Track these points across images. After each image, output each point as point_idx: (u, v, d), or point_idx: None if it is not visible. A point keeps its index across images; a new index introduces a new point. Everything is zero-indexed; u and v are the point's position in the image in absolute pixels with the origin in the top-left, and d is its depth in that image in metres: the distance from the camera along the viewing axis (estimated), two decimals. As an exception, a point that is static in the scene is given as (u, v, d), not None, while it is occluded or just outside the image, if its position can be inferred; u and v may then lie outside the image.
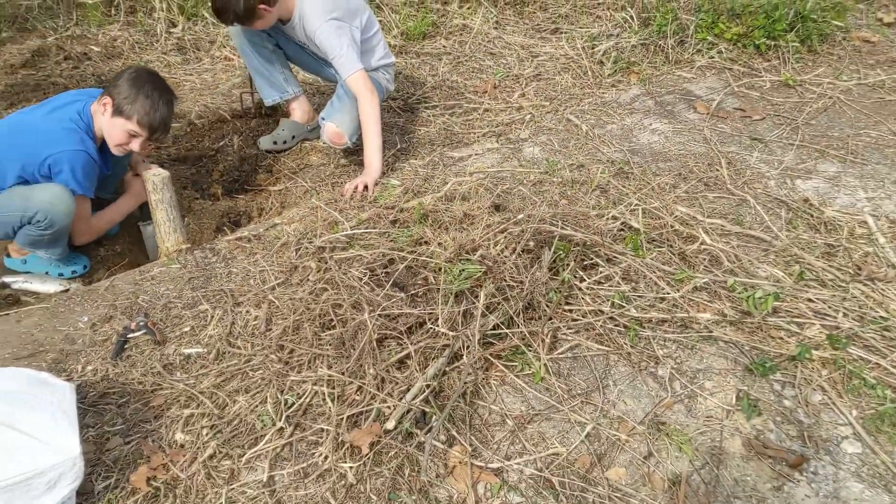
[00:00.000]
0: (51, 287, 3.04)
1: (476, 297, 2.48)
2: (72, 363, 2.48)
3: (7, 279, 3.04)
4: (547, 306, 2.54)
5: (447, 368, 2.37)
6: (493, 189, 3.17)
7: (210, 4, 3.41)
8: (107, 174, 3.22)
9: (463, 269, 2.50)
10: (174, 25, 5.18)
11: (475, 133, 3.98)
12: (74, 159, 2.86)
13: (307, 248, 2.95)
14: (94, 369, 2.46)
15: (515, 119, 4.12)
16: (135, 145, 2.98)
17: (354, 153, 3.80)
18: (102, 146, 3.05)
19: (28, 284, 3.05)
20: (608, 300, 2.64)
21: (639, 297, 2.68)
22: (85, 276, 3.20)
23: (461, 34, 5.24)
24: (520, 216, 2.73)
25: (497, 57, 4.94)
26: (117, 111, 2.90)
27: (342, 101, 3.55)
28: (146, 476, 2.05)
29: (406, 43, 5.11)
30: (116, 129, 2.94)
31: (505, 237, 2.66)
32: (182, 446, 2.16)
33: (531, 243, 2.66)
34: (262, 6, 3.31)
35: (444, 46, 5.10)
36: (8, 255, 3.19)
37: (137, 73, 2.95)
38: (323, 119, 3.59)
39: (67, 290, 3.01)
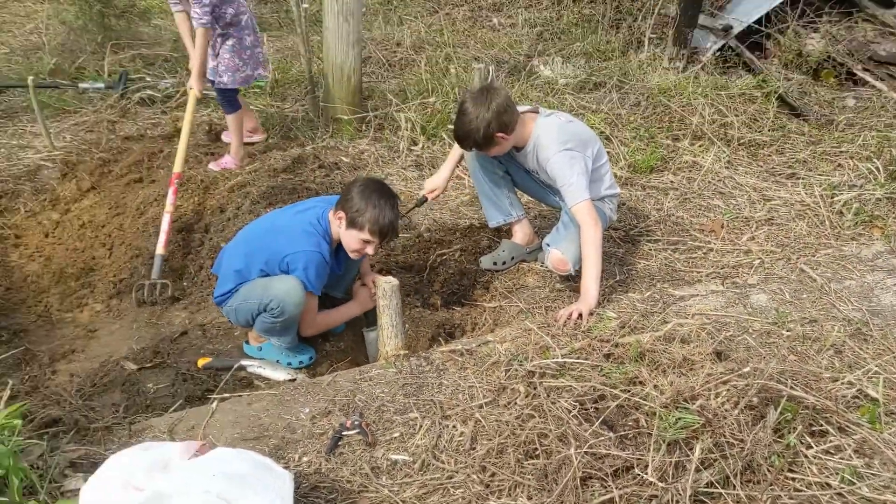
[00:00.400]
0: (280, 375, 3.28)
1: (691, 449, 2.36)
2: (290, 451, 2.63)
3: (244, 363, 3.33)
4: (768, 471, 2.36)
5: (652, 520, 2.26)
6: (716, 335, 3.05)
7: (453, 129, 3.65)
8: (339, 274, 3.53)
9: (679, 418, 2.40)
10: (415, 144, 5.58)
11: (699, 273, 3.88)
12: (309, 259, 3.18)
13: (517, 371, 2.96)
14: (308, 461, 2.59)
15: (743, 263, 3.97)
16: (370, 250, 3.26)
17: (572, 279, 3.83)
18: (337, 249, 3.37)
19: (261, 370, 3.31)
20: (837, 474, 2.41)
21: (873, 475, 2.42)
22: (310, 368, 3.42)
23: (690, 171, 5.20)
24: (745, 369, 2.59)
25: (727, 197, 4.84)
26: (351, 224, 3.18)
27: (567, 228, 3.62)
28: (343, 577, 2.10)
29: (633, 175, 5.15)
30: (352, 239, 3.23)
31: (727, 389, 2.53)
32: (379, 554, 2.20)
33: (755, 399, 2.51)
34: (500, 134, 3.50)
35: (671, 181, 5.08)
36: (247, 342, 3.51)
37: (365, 185, 3.22)
38: (548, 245, 3.67)
39: (294, 380, 3.22)
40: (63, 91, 6.20)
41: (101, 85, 6.18)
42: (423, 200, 4.13)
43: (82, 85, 6.14)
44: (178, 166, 4.39)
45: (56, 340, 3.63)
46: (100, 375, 3.25)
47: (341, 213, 3.21)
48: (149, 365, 3.35)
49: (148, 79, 6.51)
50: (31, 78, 5.41)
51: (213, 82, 4.95)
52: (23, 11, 8.35)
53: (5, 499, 2.16)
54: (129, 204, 4.60)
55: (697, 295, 3.56)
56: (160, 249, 4.05)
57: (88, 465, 2.50)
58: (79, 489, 2.27)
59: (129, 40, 7.09)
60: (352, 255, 3.33)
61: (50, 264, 4.21)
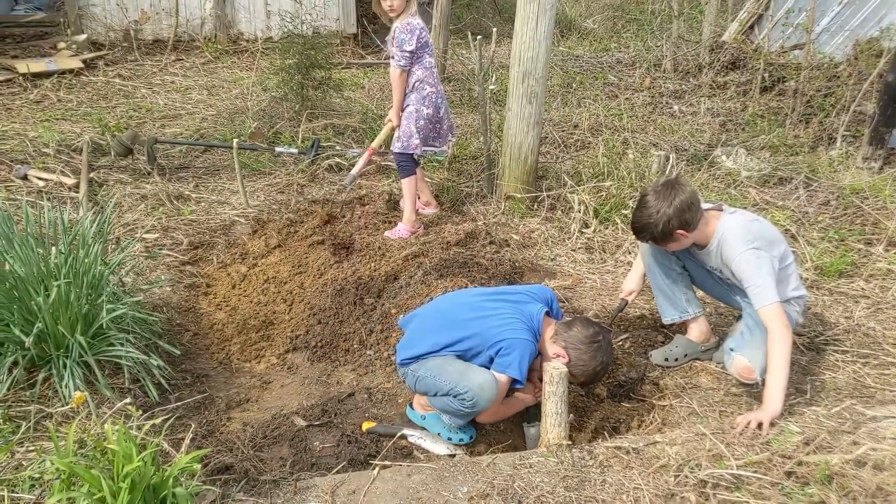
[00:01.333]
0: (441, 449, 3.28)
1: (886, 592, 2.13)
2: (446, 532, 2.61)
3: (407, 432, 3.36)
4: None
5: None
6: (916, 465, 2.77)
7: (631, 220, 3.60)
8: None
9: (874, 556, 2.17)
10: (587, 226, 5.55)
11: (893, 392, 3.56)
12: (525, 349, 3.22)
13: (687, 477, 2.81)
14: (466, 544, 2.55)
15: (944, 385, 3.61)
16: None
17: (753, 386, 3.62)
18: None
19: (422, 441, 3.32)
20: None
21: None
22: (469, 447, 3.40)
23: (885, 279, 4.83)
24: (954, 510, 2.33)
25: (926, 310, 4.45)
26: (569, 366, 3.22)
27: (753, 334, 3.44)
28: None
29: (819, 278, 4.85)
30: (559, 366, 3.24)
31: (931, 530, 2.28)
32: None
33: (964, 546, 2.24)
34: (679, 231, 3.41)
35: (862, 289, 4.74)
36: (411, 406, 3.54)
37: (599, 346, 3.30)
38: (731, 350, 3.50)
39: (454, 456, 3.21)
40: (260, 153, 6.70)
41: (295, 150, 6.62)
42: (624, 305, 4.14)
43: (278, 149, 6.61)
44: (375, 144, 5.45)
45: (233, 388, 3.82)
46: (271, 428, 3.37)
47: (565, 354, 3.30)
48: (317, 423, 3.44)
49: (337, 147, 6.92)
50: (235, 140, 5.89)
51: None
52: (230, 78, 9.16)
53: (180, 540, 2.26)
54: (310, 264, 4.84)
55: (892, 417, 3.25)
56: (354, 171, 5.31)
57: (255, 517, 2.59)
58: (245, 539, 2.36)
59: (322, 110, 7.58)
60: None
61: (235, 314, 4.47)
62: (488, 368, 3.24)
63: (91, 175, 5.85)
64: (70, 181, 5.68)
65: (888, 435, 3.04)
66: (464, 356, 3.28)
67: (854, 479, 2.62)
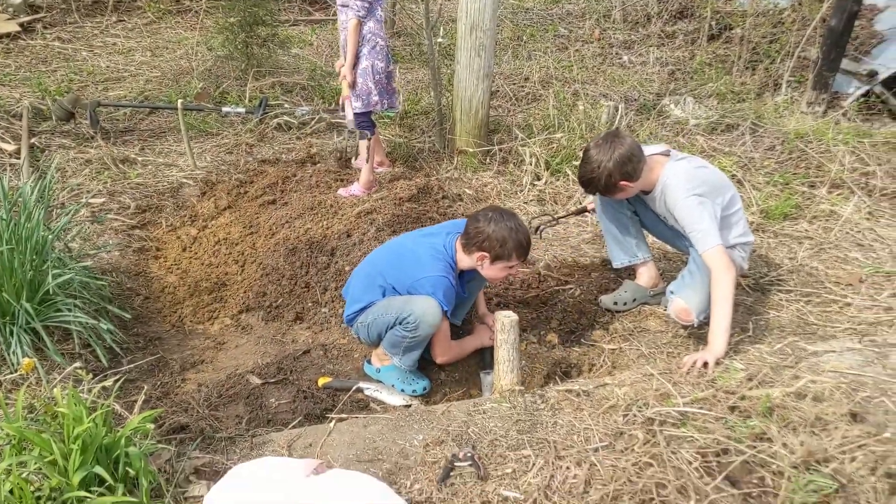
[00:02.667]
0: (396, 400, 3.32)
1: (821, 514, 2.23)
2: (402, 477, 2.65)
3: (363, 385, 3.39)
4: (907, 546, 2.20)
5: (775, 587, 2.13)
6: (852, 395, 2.87)
7: (577, 174, 3.64)
8: (464, 297, 3.61)
9: (811, 480, 2.27)
10: (538, 179, 5.58)
11: (834, 328, 3.68)
12: (437, 283, 3.25)
13: (636, 416, 2.88)
14: (420, 489, 2.59)
15: (883, 320, 3.73)
16: (514, 271, 3.37)
17: (694, 328, 3.71)
18: (461, 274, 3.46)
19: (378, 394, 3.36)
20: None
21: None
22: (425, 397, 3.44)
23: (827, 220, 4.96)
24: (885, 434, 2.43)
25: (867, 250, 4.58)
26: (497, 258, 3.25)
27: (693, 276, 3.52)
28: None
29: (765, 222, 4.96)
30: (497, 272, 3.33)
31: (864, 454, 2.37)
32: (486, 591, 2.17)
33: (894, 467, 2.34)
34: (622, 182, 3.46)
35: (806, 230, 4.86)
36: (369, 361, 3.58)
37: (491, 218, 3.26)
38: (671, 293, 3.58)
39: (409, 406, 3.25)
40: (207, 114, 6.58)
41: (242, 110, 6.51)
42: (583, 210, 4.30)
43: (225, 109, 6.50)
44: (344, 92, 5.29)
45: (187, 350, 3.80)
46: (226, 387, 3.38)
47: (482, 254, 3.27)
48: (272, 380, 3.45)
49: (286, 105, 6.82)
50: (179, 101, 5.77)
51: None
52: (174, 38, 8.93)
53: (135, 499, 2.27)
54: (261, 224, 4.80)
55: (832, 351, 3.36)
56: (349, 115, 5.29)
57: (211, 473, 2.60)
58: (201, 496, 2.38)
59: (269, 68, 7.45)
60: (495, 282, 3.55)
61: (186, 277, 4.43)
62: None
63: (32, 140, 5.70)
64: (10, 147, 5.53)
65: (828, 368, 3.14)
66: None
67: (794, 410, 2.71)
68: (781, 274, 4.31)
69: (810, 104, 6.74)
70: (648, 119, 6.54)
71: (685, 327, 3.74)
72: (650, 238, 4.17)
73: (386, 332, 3.34)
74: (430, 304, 3.21)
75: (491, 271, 3.33)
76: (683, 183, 3.43)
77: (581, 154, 3.67)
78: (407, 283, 3.32)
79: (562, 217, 4.41)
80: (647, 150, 3.57)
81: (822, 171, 5.52)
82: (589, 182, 3.54)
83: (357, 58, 5.09)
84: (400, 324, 3.25)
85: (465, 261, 3.36)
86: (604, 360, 3.67)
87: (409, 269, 3.33)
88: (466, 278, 3.55)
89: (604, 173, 3.43)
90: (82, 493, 2.16)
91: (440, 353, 3.51)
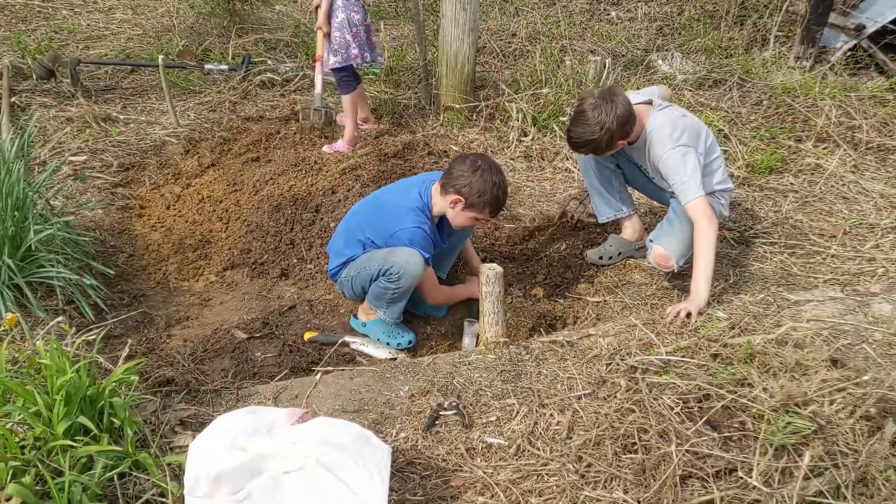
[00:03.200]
0: (382, 353, 3.33)
1: (800, 455, 2.26)
2: (388, 426, 2.67)
3: (348, 339, 3.40)
4: (883, 485, 2.23)
5: (753, 526, 2.17)
6: (833, 342, 2.90)
7: (568, 135, 3.55)
8: (443, 248, 3.60)
9: (790, 423, 2.30)
10: (525, 135, 5.55)
11: (816, 278, 3.71)
12: (412, 235, 3.25)
13: (618, 365, 2.91)
14: (405, 437, 2.62)
15: (865, 270, 3.76)
16: (479, 223, 3.43)
17: (679, 277, 3.73)
18: (440, 222, 3.45)
19: (364, 347, 3.37)
20: (962, 495, 2.26)
21: None
22: (410, 350, 3.46)
23: (812, 174, 4.97)
24: (864, 377, 2.46)
25: (851, 202, 4.60)
26: (469, 207, 3.23)
27: (672, 224, 3.53)
28: (434, 553, 2.11)
29: (750, 175, 4.96)
30: (464, 219, 3.32)
31: (843, 397, 2.41)
32: (471, 533, 2.20)
33: (873, 410, 2.37)
34: (620, 141, 3.43)
35: (791, 184, 4.87)
36: (355, 316, 3.59)
37: (477, 165, 3.22)
38: (651, 241, 3.59)
39: (395, 359, 3.27)
40: (189, 72, 6.49)
41: (225, 67, 6.43)
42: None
43: (207, 66, 6.41)
44: (318, 51, 5.22)
45: (172, 307, 3.79)
46: (211, 342, 3.38)
47: (458, 198, 3.23)
48: (258, 335, 3.46)
49: (269, 62, 6.74)
50: (161, 58, 5.68)
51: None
52: (156, -5, 8.77)
53: (120, 448, 2.28)
54: (245, 181, 4.76)
55: (814, 300, 3.39)
56: (318, 89, 5.36)
57: (197, 425, 2.61)
58: (187, 446, 2.38)
59: (252, 25, 7.35)
60: (458, 228, 3.45)
61: (170, 235, 4.41)
62: None
63: (12, 99, 5.62)
64: (-11, 106, 5.45)
65: (809, 317, 3.18)
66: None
67: (775, 356, 2.74)
68: (766, 227, 4.33)
69: (798, 59, 6.71)
70: (636, 74, 6.50)
71: (667, 277, 3.76)
72: (635, 193, 4.17)
73: (370, 284, 3.34)
74: (412, 254, 3.20)
75: (459, 217, 3.31)
76: (668, 133, 3.42)
77: (570, 111, 3.63)
78: (385, 235, 3.31)
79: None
80: (632, 97, 3.53)
81: (808, 126, 5.53)
82: (586, 144, 3.44)
83: (332, 11, 4.98)
84: (383, 275, 3.24)
85: (439, 203, 3.33)
86: (588, 313, 3.69)
87: (386, 221, 3.32)
88: (447, 231, 3.54)
89: (605, 135, 3.36)
90: (67, 442, 2.16)
91: (429, 296, 3.55)
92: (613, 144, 3.44)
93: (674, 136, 3.40)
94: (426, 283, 3.41)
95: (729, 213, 3.82)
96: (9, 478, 2.08)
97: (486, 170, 3.21)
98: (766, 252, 4.03)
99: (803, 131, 5.50)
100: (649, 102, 3.56)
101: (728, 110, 5.81)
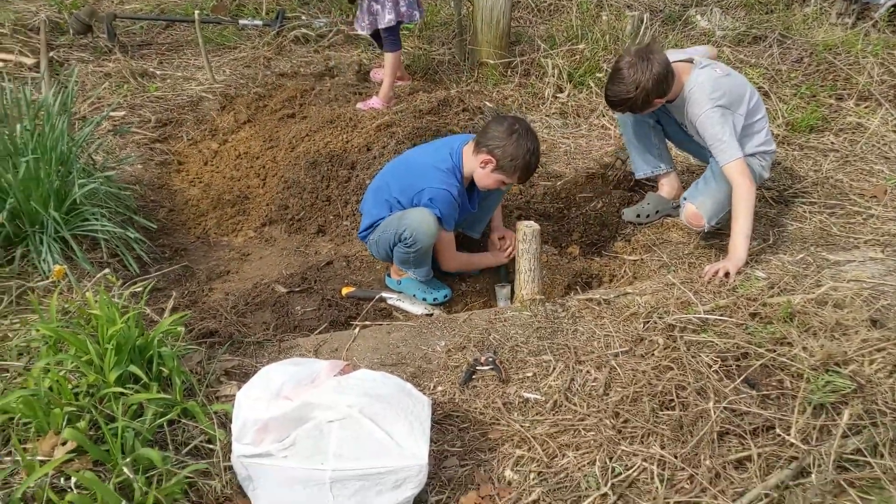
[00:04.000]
0: (418, 309, 3.37)
1: (839, 413, 2.27)
2: (425, 380, 2.72)
3: (385, 294, 3.44)
4: (922, 444, 2.24)
5: (791, 482, 2.18)
6: (873, 302, 2.88)
7: (606, 93, 3.52)
8: (472, 212, 3.58)
9: (829, 381, 2.31)
10: (561, 91, 5.50)
11: (856, 238, 3.66)
12: (435, 195, 3.24)
13: (656, 323, 2.92)
14: (443, 390, 2.66)
15: (907, 231, 3.72)
16: (505, 186, 3.38)
17: (717, 236, 3.71)
18: (471, 185, 3.42)
19: (400, 303, 3.41)
20: None
21: None
22: (446, 305, 3.50)
23: (854, 133, 4.88)
24: (905, 337, 2.45)
25: (892, 162, 4.51)
26: (499, 169, 3.22)
27: (708, 183, 3.50)
28: (474, 502, 2.16)
29: (790, 134, 4.88)
30: (491, 181, 3.29)
31: (883, 357, 2.41)
32: (510, 483, 2.25)
33: (913, 369, 2.37)
34: (657, 100, 3.40)
35: (832, 143, 4.79)
36: (388, 275, 3.62)
37: (520, 134, 3.19)
38: (685, 199, 3.57)
39: (431, 315, 3.31)
40: (224, 27, 6.49)
41: (260, 22, 6.42)
42: None
43: (242, 21, 6.40)
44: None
45: (213, 261, 3.86)
46: (252, 295, 3.44)
47: (489, 158, 3.22)
48: (297, 290, 3.51)
49: (303, 18, 6.71)
50: (197, 13, 5.69)
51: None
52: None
53: (168, 396, 2.35)
54: (281, 138, 4.78)
55: (854, 261, 3.36)
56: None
57: (241, 375, 2.67)
58: (232, 395, 2.45)
59: (286, -21, 7.31)
60: (482, 189, 3.42)
61: (209, 190, 4.46)
62: None
63: (50, 54, 5.66)
64: (29, 61, 5.51)
65: (849, 277, 3.15)
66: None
67: (815, 316, 2.73)
68: (805, 186, 4.27)
69: (840, 15, 6.55)
70: (674, 30, 6.39)
71: (704, 236, 3.74)
72: (674, 150, 4.13)
73: (392, 250, 3.37)
74: (423, 214, 3.20)
75: (487, 178, 3.28)
76: (708, 93, 3.37)
77: (608, 68, 3.59)
78: (411, 194, 3.30)
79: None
80: (672, 55, 3.49)
81: (849, 84, 5.41)
82: (622, 102, 3.43)
83: None
84: (400, 241, 3.26)
85: (470, 162, 3.31)
86: (625, 271, 3.69)
87: (414, 180, 3.32)
88: (480, 197, 3.54)
89: (641, 94, 3.34)
90: (119, 390, 2.23)
91: (445, 261, 3.55)
92: (650, 103, 3.41)
93: (713, 96, 3.36)
94: (443, 248, 3.42)
95: (769, 174, 3.77)
96: (64, 423, 2.15)
97: (522, 135, 3.19)
98: (805, 212, 3.99)
99: (845, 89, 5.39)
100: (690, 61, 3.51)
101: (768, 67, 5.71)
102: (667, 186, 4.01)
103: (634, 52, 3.37)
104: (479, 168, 3.27)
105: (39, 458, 2.05)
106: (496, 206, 3.79)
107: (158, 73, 5.75)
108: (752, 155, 3.54)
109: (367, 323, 3.17)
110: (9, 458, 2.12)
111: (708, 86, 3.39)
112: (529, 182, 4.36)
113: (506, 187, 3.44)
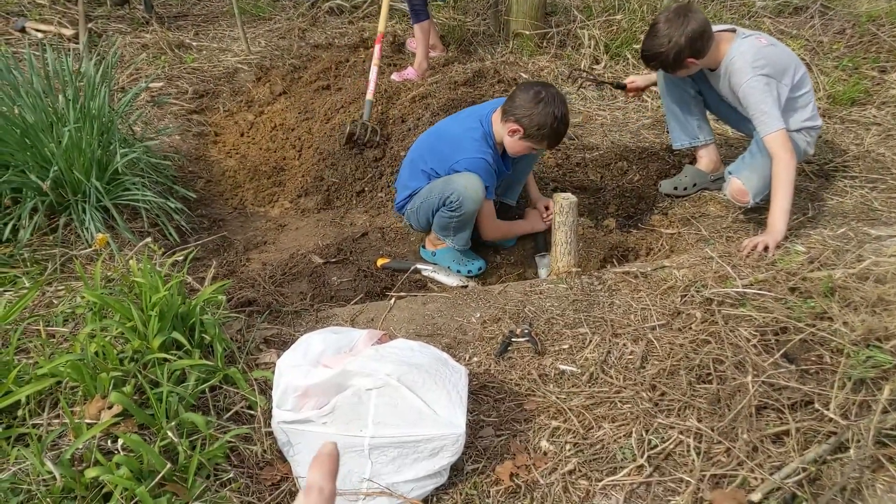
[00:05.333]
0: (453, 281, 3.38)
1: (879, 389, 2.25)
2: (461, 351, 2.73)
3: (420, 266, 3.46)
4: (965, 421, 2.21)
5: (829, 457, 2.17)
6: (916, 277, 2.84)
7: (641, 47, 3.52)
8: (508, 174, 3.59)
9: (870, 357, 2.28)
10: (597, 62, 5.44)
11: (899, 214, 3.61)
12: (472, 165, 3.25)
13: (693, 297, 2.90)
14: (478, 361, 2.68)
15: (951, 206, 3.65)
16: (535, 152, 3.43)
17: (756, 210, 3.66)
18: (503, 150, 3.43)
19: (435, 274, 3.43)
20: None
21: None
22: (480, 278, 3.51)
23: (897, 106, 4.78)
24: (949, 313, 2.42)
25: (939, 136, 4.42)
26: (527, 137, 3.23)
27: (754, 158, 3.45)
28: (510, 471, 2.18)
29: (831, 107, 4.79)
30: (521, 147, 3.31)
31: (926, 333, 2.37)
32: (545, 454, 2.26)
33: (958, 346, 2.34)
34: (690, 59, 3.36)
35: (874, 116, 4.69)
36: (423, 246, 3.64)
37: (546, 101, 3.18)
38: (730, 173, 3.53)
39: (466, 287, 3.32)
40: (259, -2, 6.50)
41: (295, -7, 6.42)
42: (622, 86, 4.09)
43: (277, -7, 6.41)
44: (381, 27, 4.73)
45: (250, 231, 3.90)
46: (289, 266, 3.47)
47: (517, 127, 3.22)
48: (333, 260, 3.54)
49: (337, -12, 6.69)
50: (233, -16, 5.70)
51: None
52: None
53: (210, 363, 2.39)
54: (316, 109, 4.80)
55: (896, 236, 3.31)
56: (369, 95, 4.49)
57: (280, 343, 2.71)
58: (272, 362, 2.48)
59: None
60: (513, 156, 3.43)
61: (245, 162, 4.50)
62: None
63: (89, 25, 5.72)
64: (69, 32, 5.57)
65: (891, 252, 3.10)
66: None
67: (856, 291, 2.70)
68: (847, 160, 4.20)
69: (886, -16, 6.37)
70: (713, 0, 6.27)
71: (744, 211, 3.70)
72: (714, 123, 4.07)
73: (433, 216, 3.38)
74: (471, 178, 3.22)
75: (517, 146, 3.30)
76: (750, 61, 3.32)
77: (643, 34, 3.55)
78: (447, 165, 3.33)
79: (602, 82, 4.30)
80: (715, 27, 3.44)
81: (893, 56, 5.29)
82: (655, 57, 3.43)
83: None
84: (445, 205, 3.28)
85: (498, 130, 3.32)
86: (662, 245, 3.67)
87: (448, 151, 3.34)
88: (512, 158, 3.53)
89: (673, 49, 3.32)
90: (162, 356, 2.28)
91: (487, 230, 3.56)
92: (682, 62, 3.38)
93: (756, 65, 3.31)
94: (484, 216, 3.43)
95: (813, 151, 3.70)
96: (110, 387, 2.21)
97: (548, 101, 3.17)
98: (846, 186, 3.92)
99: (888, 62, 5.26)
100: (733, 30, 3.45)
101: (809, 39, 5.59)
102: (705, 159, 3.96)
103: (673, 9, 3.37)
104: (508, 136, 3.28)
105: (87, 420, 2.10)
106: (529, 169, 3.79)
107: (195, 44, 5.78)
108: (798, 130, 3.48)
109: (402, 294, 3.19)
110: (57, 421, 2.18)
111: (750, 54, 3.33)
112: (565, 154, 4.35)
113: (537, 152, 3.44)
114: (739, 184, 3.46)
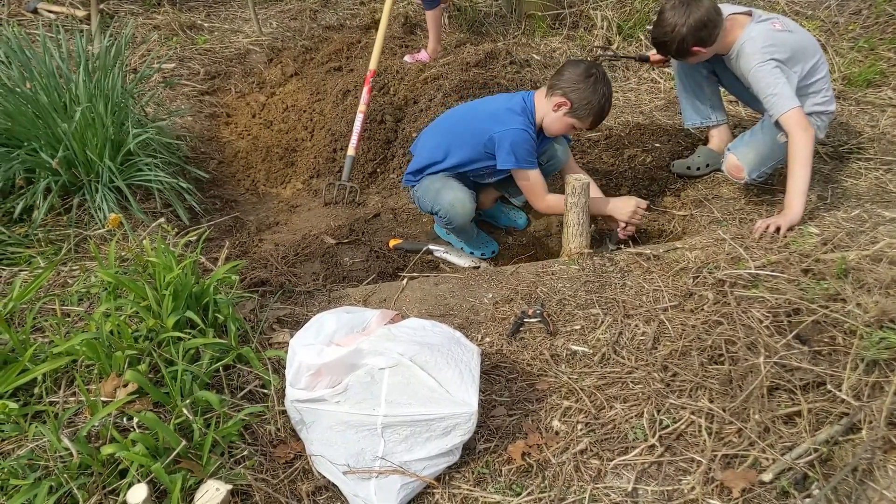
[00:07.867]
0: (465, 262, 3.39)
1: (892, 370, 2.24)
2: (473, 331, 2.74)
3: (432, 247, 3.46)
4: (979, 403, 2.21)
5: (841, 438, 2.17)
6: (932, 259, 2.82)
7: (651, 33, 3.51)
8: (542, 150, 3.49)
9: (883, 338, 2.27)
10: (610, 43, 5.40)
11: (915, 195, 3.58)
12: (515, 138, 3.19)
13: (706, 278, 2.90)
14: (490, 341, 2.69)
15: (968, 190, 3.62)
16: (574, 131, 3.40)
17: (769, 192, 3.65)
18: (540, 134, 3.37)
19: (448, 255, 3.43)
20: None
21: None
22: (493, 260, 3.51)
23: (915, 86, 4.73)
24: (965, 296, 2.40)
25: (955, 125, 4.37)
26: (573, 112, 3.17)
27: (754, 136, 3.43)
28: (522, 450, 2.19)
29: (847, 89, 4.75)
30: (562, 125, 3.24)
31: (941, 314, 2.36)
32: (557, 433, 2.27)
33: (972, 328, 2.33)
34: (695, 48, 3.33)
35: (890, 98, 4.64)
36: (437, 224, 3.65)
37: (596, 78, 3.15)
38: (728, 150, 3.51)
39: (478, 268, 3.32)
40: (271, -21, 6.48)
41: (306, -26, 6.38)
42: (645, 58, 4.03)
43: (288, -26, 6.38)
44: (373, 64, 4.36)
45: (262, 212, 3.91)
46: (302, 246, 3.49)
47: (565, 101, 3.17)
48: (345, 241, 3.55)
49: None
50: (244, -36, 5.68)
51: None
52: None
53: (224, 342, 2.41)
54: (328, 90, 4.80)
55: (911, 218, 3.29)
56: (351, 151, 4.12)
57: (293, 323, 2.72)
58: (285, 342, 2.50)
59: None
60: (550, 135, 3.36)
61: (257, 143, 4.50)
62: (489, 168, 3.31)
63: (101, 6, 5.72)
64: (81, 13, 5.58)
65: (905, 234, 3.08)
66: (461, 164, 3.33)
67: (870, 272, 2.69)
68: (862, 142, 4.16)
69: (904, -37, 6.29)
70: (727, -19, 6.20)
71: (759, 189, 3.68)
72: (728, 105, 4.05)
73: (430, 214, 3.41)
74: (458, 197, 3.24)
75: (559, 123, 3.23)
76: (760, 46, 3.27)
77: (655, 15, 3.53)
78: (484, 138, 3.23)
79: (623, 57, 4.28)
80: (730, 9, 3.40)
81: (910, 36, 5.23)
82: (661, 45, 3.43)
83: None
84: (435, 213, 3.33)
85: (542, 107, 3.26)
86: (674, 226, 3.66)
87: (487, 123, 3.25)
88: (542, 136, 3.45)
89: (677, 37, 3.30)
90: (177, 334, 2.30)
91: (536, 203, 3.38)
92: (687, 50, 3.36)
93: (766, 50, 3.26)
94: (532, 190, 3.31)
95: (824, 135, 3.66)
96: (125, 365, 2.23)
97: (599, 80, 3.15)
98: (860, 168, 3.89)
99: (905, 42, 5.21)
100: (749, 13, 3.41)
101: (825, 19, 5.53)
102: (717, 139, 3.94)
103: None
104: (552, 111, 3.22)
105: (102, 398, 2.12)
106: (555, 171, 3.66)
107: (206, 25, 5.78)
108: (810, 114, 3.44)
109: (414, 274, 3.20)
110: (73, 399, 2.21)
111: (761, 39, 3.29)
112: (576, 134, 4.32)
113: (577, 131, 3.40)
114: (735, 159, 3.45)
